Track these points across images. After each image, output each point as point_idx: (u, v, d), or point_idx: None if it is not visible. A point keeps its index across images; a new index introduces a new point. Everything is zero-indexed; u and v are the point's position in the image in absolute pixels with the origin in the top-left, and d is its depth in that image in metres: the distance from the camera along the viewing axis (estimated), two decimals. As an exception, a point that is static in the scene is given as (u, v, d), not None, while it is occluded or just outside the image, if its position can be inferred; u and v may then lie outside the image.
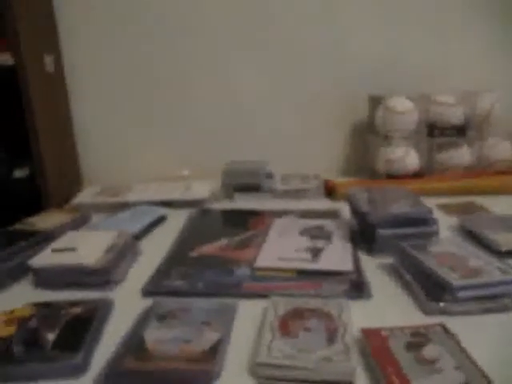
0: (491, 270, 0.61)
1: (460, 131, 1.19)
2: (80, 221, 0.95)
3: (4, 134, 1.23)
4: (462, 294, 0.57)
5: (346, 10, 1.25)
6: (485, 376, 0.44)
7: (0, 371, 0.48)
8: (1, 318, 0.58)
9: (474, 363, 0.46)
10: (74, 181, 1.30)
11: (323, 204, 1.08)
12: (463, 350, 0.48)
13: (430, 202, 0.94)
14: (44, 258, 0.70)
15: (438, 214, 0.93)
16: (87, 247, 0.73)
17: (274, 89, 1.30)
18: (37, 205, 1.11)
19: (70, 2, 1.22)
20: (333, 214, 0.98)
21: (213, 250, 0.81)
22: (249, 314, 0.59)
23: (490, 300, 0.58)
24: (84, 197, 1.13)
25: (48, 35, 1.20)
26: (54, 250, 0.72)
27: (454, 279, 0.57)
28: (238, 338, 0.54)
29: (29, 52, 1.06)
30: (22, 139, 1.11)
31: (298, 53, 1.28)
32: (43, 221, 0.90)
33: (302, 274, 0.70)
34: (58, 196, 1.16)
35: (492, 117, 1.20)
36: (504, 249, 0.73)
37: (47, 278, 0.69)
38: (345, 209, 0.95)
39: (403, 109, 1.15)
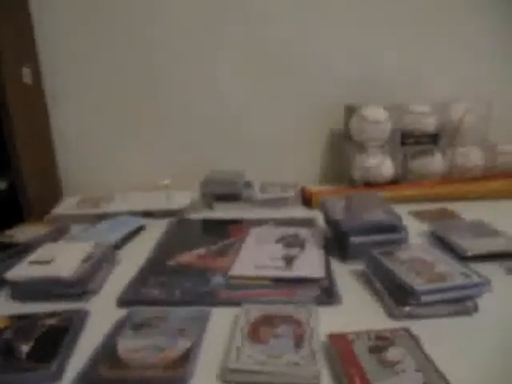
0: (455, 274, 0.63)
1: (433, 139, 1.23)
2: (58, 232, 0.96)
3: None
4: (425, 298, 0.59)
5: (324, 24, 1.28)
6: (443, 378, 0.46)
7: (-26, 382, 0.49)
8: (-24, 330, 0.58)
9: (433, 365, 0.48)
10: (54, 192, 1.31)
11: (301, 212, 1.10)
12: (424, 353, 0.50)
13: (404, 209, 0.97)
14: (20, 270, 0.71)
15: (410, 221, 0.96)
16: (64, 258, 0.73)
17: (253, 100, 1.33)
18: (17, 216, 1.11)
19: (49, 14, 1.22)
20: (309, 222, 1.00)
21: (190, 259, 0.83)
22: (222, 322, 0.61)
23: (454, 304, 0.61)
24: (64, 208, 1.13)
25: (26, 47, 1.21)
26: (30, 262, 0.73)
27: (418, 284, 0.60)
28: (210, 345, 0.56)
29: (7, 64, 1.07)
30: (0, 150, 1.11)
31: (277, 65, 1.30)
32: (21, 233, 0.90)
33: (276, 281, 0.71)
34: (38, 207, 1.16)
35: (464, 125, 1.23)
36: (469, 254, 0.76)
37: (24, 290, 0.70)
38: (321, 217, 0.97)
39: (377, 118, 1.18)
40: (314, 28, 1.28)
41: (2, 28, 1.06)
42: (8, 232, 0.91)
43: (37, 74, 1.24)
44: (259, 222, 1.01)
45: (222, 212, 1.11)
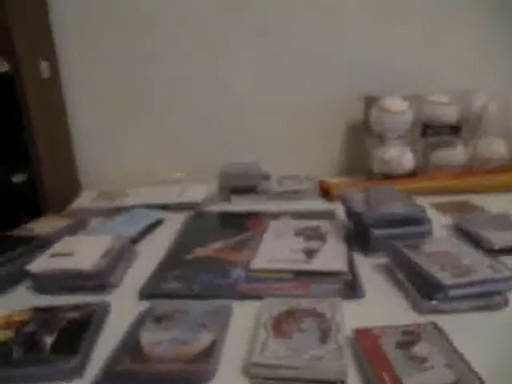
0: (483, 268, 0.61)
1: (454, 130, 1.20)
2: (77, 225, 0.96)
3: (2, 139, 1.24)
4: (453, 293, 0.58)
5: (341, 12, 1.25)
6: (475, 374, 0.45)
7: (-1, 374, 0.49)
8: (-1, 322, 0.59)
9: (464, 361, 0.47)
10: (71, 185, 1.31)
11: (319, 205, 1.09)
12: (454, 348, 0.49)
13: (425, 201, 0.95)
14: (42, 263, 0.71)
15: (432, 213, 0.94)
16: (84, 252, 0.73)
17: (269, 90, 1.31)
18: (35, 210, 1.12)
19: (66, 8, 1.22)
20: (328, 215, 0.98)
21: (209, 253, 0.82)
22: (244, 315, 0.60)
23: (482, 298, 0.59)
24: (82, 202, 1.14)
25: (44, 41, 1.21)
26: (51, 255, 0.73)
27: (445, 278, 0.58)
28: (233, 339, 0.55)
29: (25, 58, 1.07)
30: (19, 144, 1.12)
31: (293, 54, 1.28)
32: (41, 226, 0.90)
33: (297, 274, 0.70)
34: (55, 201, 1.16)
35: (486, 116, 1.20)
36: (497, 247, 0.74)
37: (45, 283, 0.70)
38: (340, 209, 0.96)
39: (397, 109, 1.15)
40: (331, 17, 1.26)
41: (18, 23, 1.06)
42: (27, 225, 0.91)
43: (54, 69, 1.24)
44: (277, 215, 1.00)
45: (239, 205, 1.10)
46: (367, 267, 0.74)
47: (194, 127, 1.33)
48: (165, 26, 1.25)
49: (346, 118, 1.33)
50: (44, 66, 1.17)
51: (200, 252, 0.83)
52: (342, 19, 1.26)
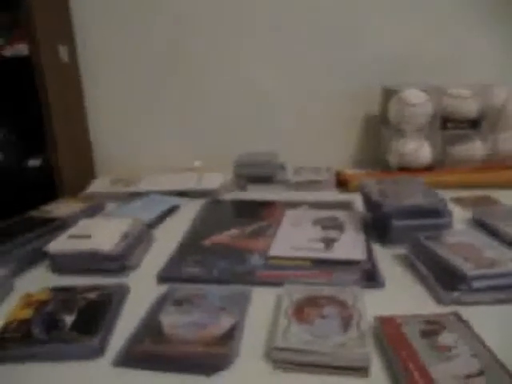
0: (505, 260, 0.61)
1: (474, 124, 1.18)
2: (94, 209, 0.96)
3: (18, 123, 1.25)
4: (476, 284, 0.57)
5: (361, 4, 1.24)
6: (501, 363, 0.44)
7: (20, 352, 0.50)
8: (19, 301, 0.59)
9: (489, 351, 0.46)
10: (87, 170, 1.32)
11: (335, 196, 1.08)
12: (478, 338, 0.48)
13: (443, 195, 0.94)
14: (60, 244, 0.71)
15: (451, 207, 0.93)
16: (102, 234, 0.73)
17: (287, 81, 1.30)
18: (50, 193, 1.12)
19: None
20: (345, 206, 0.98)
21: (225, 240, 0.82)
22: (262, 301, 0.60)
23: (504, 291, 0.58)
24: (97, 186, 1.14)
25: (63, 26, 1.21)
26: (69, 236, 0.73)
27: (469, 269, 0.57)
28: (252, 324, 0.55)
29: (44, 42, 1.07)
30: (36, 129, 1.12)
31: (313, 46, 1.27)
32: (58, 208, 0.91)
33: (316, 263, 0.70)
34: (71, 185, 1.17)
35: (506, 110, 1.18)
36: (516, 241, 0.72)
37: (63, 264, 0.70)
38: (357, 200, 0.95)
39: (416, 101, 1.14)
40: (351, 9, 1.24)
41: (38, 7, 1.06)
42: (45, 207, 0.91)
43: (73, 54, 1.24)
44: (293, 205, 0.99)
45: (256, 194, 1.10)
46: (386, 258, 0.73)
47: (213, 116, 1.33)
48: (184, 15, 1.25)
49: (364, 110, 1.32)
50: (63, 50, 1.17)
51: (216, 239, 0.82)
52: (361, 12, 1.24)
